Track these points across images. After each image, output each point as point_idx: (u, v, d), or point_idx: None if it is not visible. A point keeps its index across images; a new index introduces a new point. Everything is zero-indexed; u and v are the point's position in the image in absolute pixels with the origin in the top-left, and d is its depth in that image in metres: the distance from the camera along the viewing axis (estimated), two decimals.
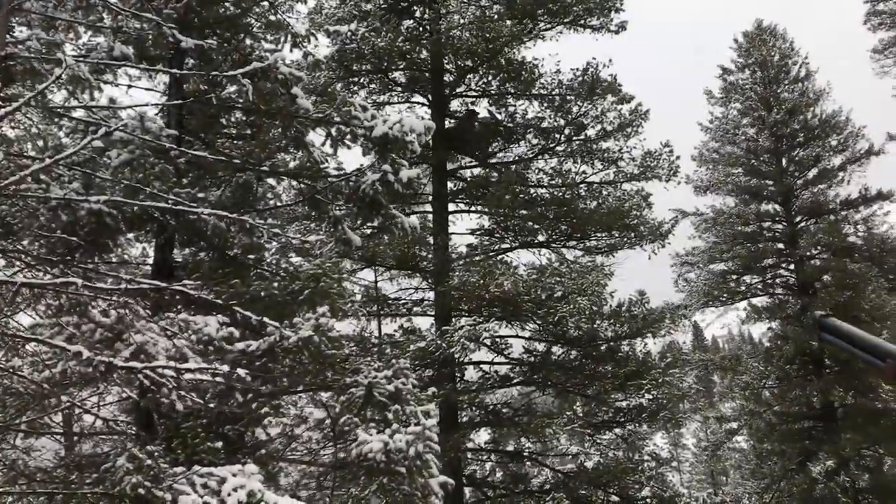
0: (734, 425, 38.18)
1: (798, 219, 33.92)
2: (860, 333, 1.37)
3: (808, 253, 33.04)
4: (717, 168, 34.32)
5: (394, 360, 7.35)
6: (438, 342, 12.59)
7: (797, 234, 33.47)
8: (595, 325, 13.64)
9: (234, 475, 5.92)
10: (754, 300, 35.53)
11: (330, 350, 6.82)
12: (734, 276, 35.06)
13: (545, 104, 16.59)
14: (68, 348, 5.18)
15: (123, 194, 6.95)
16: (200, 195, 7.98)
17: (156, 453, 5.76)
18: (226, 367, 5.49)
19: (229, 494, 5.74)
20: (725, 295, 34.84)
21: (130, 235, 8.74)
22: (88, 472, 6.65)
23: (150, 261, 11.07)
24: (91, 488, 5.69)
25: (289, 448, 7.61)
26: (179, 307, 6.82)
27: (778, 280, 34.87)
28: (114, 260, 10.66)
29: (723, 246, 34.56)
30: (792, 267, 33.81)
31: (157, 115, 8.48)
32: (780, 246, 34.01)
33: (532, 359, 14.50)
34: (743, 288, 35.13)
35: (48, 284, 5.61)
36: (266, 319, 6.51)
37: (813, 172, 33.91)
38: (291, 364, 6.94)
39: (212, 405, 6.40)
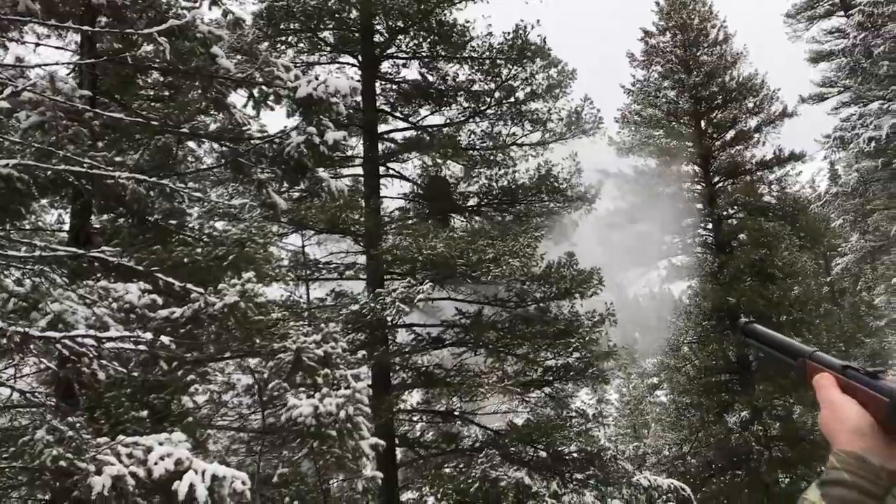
0: (655, 380, 39.48)
1: (716, 179, 34.90)
2: (777, 336, 1.51)
3: (725, 212, 34.10)
4: (640, 130, 35.01)
5: (323, 325, 7.27)
6: (372, 305, 12.53)
7: (715, 195, 34.49)
8: (525, 287, 13.81)
9: (161, 444, 5.80)
10: (675, 259, 36.60)
11: (257, 316, 6.70)
12: (655, 236, 35.97)
13: (476, 67, 16.52)
14: None
15: (35, 158, 6.63)
16: (118, 159, 7.67)
17: (77, 424, 5.58)
18: (149, 335, 5.32)
19: (156, 463, 5.62)
20: (647, 255, 35.76)
21: (44, 201, 8.37)
22: (5, 446, 6.40)
23: (67, 227, 10.67)
24: (9, 462, 5.49)
25: (217, 415, 7.50)
26: (99, 275, 6.58)
27: (697, 239, 35.94)
28: (27, 227, 10.23)
29: (644, 207, 35.33)
30: (710, 226, 34.86)
31: (68, 75, 8.07)
32: (700, 206, 34.97)
33: (464, 320, 14.62)
34: (664, 247, 36.12)
35: None
36: (190, 286, 6.32)
37: (730, 134, 34.90)
38: (218, 331, 6.80)
39: (135, 374, 6.22)
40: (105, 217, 8.79)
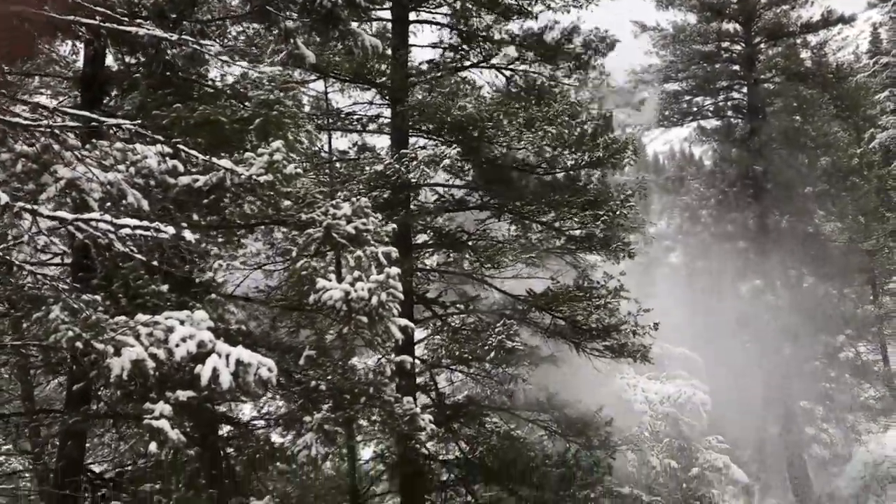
0: (669, 243, 39.37)
1: (757, 40, 33.25)
2: None
3: (762, 76, 32.71)
4: None
5: (354, 198, 6.79)
6: (396, 166, 11.97)
7: (754, 57, 32.97)
8: (557, 154, 13.14)
9: (182, 323, 5.47)
10: (703, 122, 35.51)
11: (286, 188, 6.22)
12: (687, 97, 34.78)
13: None
14: None
15: None
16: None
17: (94, 301, 5.23)
18: (171, 230, 4.83)
19: (177, 345, 5.32)
20: (677, 116, 34.71)
21: (58, 43, 7.72)
22: (21, 308, 6.10)
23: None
24: (24, 340, 5.20)
25: (240, 286, 7.19)
26: (116, 133, 6.03)
27: (730, 103, 34.71)
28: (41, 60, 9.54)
29: (679, 65, 33.97)
30: (745, 90, 33.56)
31: None
32: (736, 68, 33.54)
33: (490, 184, 14.07)
34: (695, 109, 34.97)
35: None
36: (214, 160, 5.78)
37: None
38: (243, 199, 6.32)
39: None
40: (121, 64, 8.10)
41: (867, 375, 30.30)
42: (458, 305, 15.30)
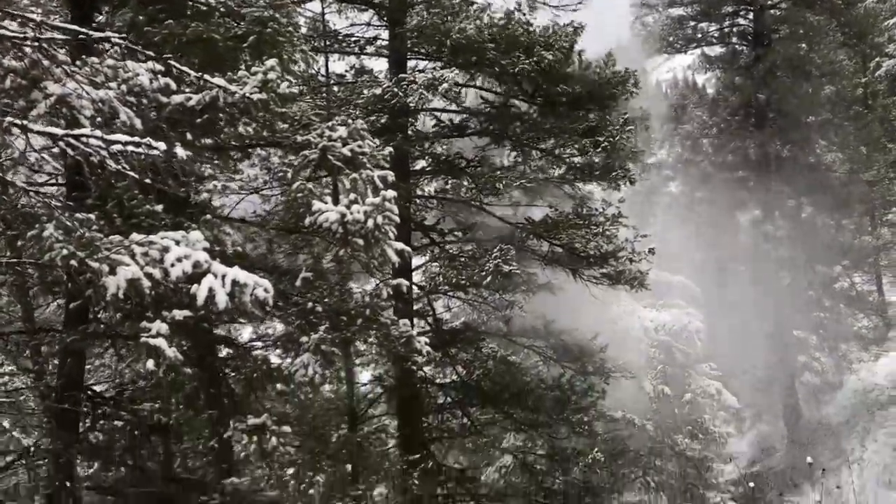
0: (669, 172, 39.04)
1: None
2: None
3: (769, 2, 31.96)
4: None
5: (350, 120, 6.69)
6: (395, 90, 11.76)
7: None
8: (558, 85, 12.86)
9: (178, 243, 5.45)
10: (708, 49, 34.83)
11: (280, 108, 6.12)
12: (691, 23, 34.02)
13: None
14: None
15: None
16: None
17: (88, 220, 5.19)
18: (162, 145, 4.76)
19: (173, 265, 5.32)
20: (681, 42, 34.01)
21: None
22: (16, 227, 6.07)
23: None
24: (18, 258, 5.19)
25: (237, 210, 7.16)
26: (106, 50, 5.90)
27: (735, 29, 33.98)
28: None
29: None
30: (751, 16, 32.83)
31: None
32: None
33: (490, 110, 13.86)
34: (699, 35, 34.23)
35: None
36: (207, 78, 5.66)
37: None
38: (237, 120, 6.23)
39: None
40: None
41: (861, 305, 30.50)
42: (455, 233, 15.27)
